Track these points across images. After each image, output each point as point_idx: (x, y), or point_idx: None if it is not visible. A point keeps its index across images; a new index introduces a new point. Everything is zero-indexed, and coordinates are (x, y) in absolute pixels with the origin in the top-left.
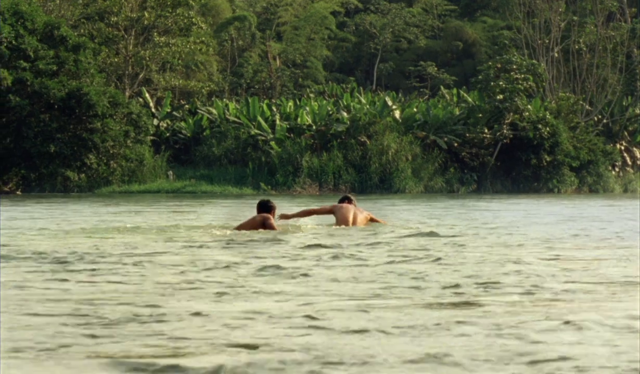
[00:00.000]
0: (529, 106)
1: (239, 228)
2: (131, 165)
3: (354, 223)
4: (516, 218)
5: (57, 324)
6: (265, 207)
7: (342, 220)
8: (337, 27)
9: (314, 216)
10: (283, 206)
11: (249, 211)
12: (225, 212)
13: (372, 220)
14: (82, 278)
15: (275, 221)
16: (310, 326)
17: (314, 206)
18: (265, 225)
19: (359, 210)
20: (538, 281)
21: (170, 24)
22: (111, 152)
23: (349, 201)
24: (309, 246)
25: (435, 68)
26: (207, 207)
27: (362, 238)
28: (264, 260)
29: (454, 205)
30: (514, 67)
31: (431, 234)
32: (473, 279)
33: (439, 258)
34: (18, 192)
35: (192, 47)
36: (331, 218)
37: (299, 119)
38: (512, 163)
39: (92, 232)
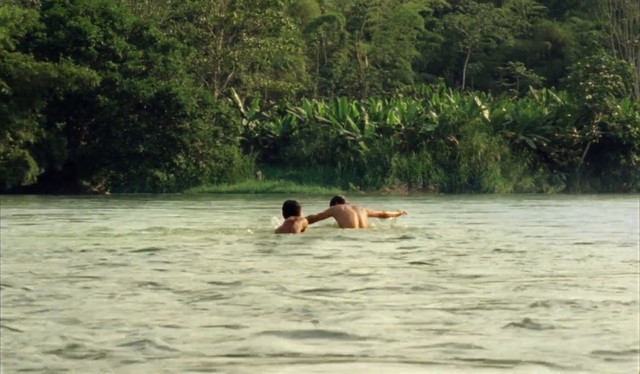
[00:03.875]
0: (618, 106)
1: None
2: (220, 165)
3: (360, 224)
4: None
5: None
6: (292, 208)
7: (345, 223)
8: (426, 27)
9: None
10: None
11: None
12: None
13: (371, 215)
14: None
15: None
16: None
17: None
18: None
19: (357, 208)
20: None
21: (259, 24)
22: (200, 152)
23: (343, 202)
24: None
25: (524, 68)
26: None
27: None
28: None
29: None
30: (603, 66)
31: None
32: None
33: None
34: (107, 192)
35: (281, 47)
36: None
37: (387, 119)
38: (601, 163)
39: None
